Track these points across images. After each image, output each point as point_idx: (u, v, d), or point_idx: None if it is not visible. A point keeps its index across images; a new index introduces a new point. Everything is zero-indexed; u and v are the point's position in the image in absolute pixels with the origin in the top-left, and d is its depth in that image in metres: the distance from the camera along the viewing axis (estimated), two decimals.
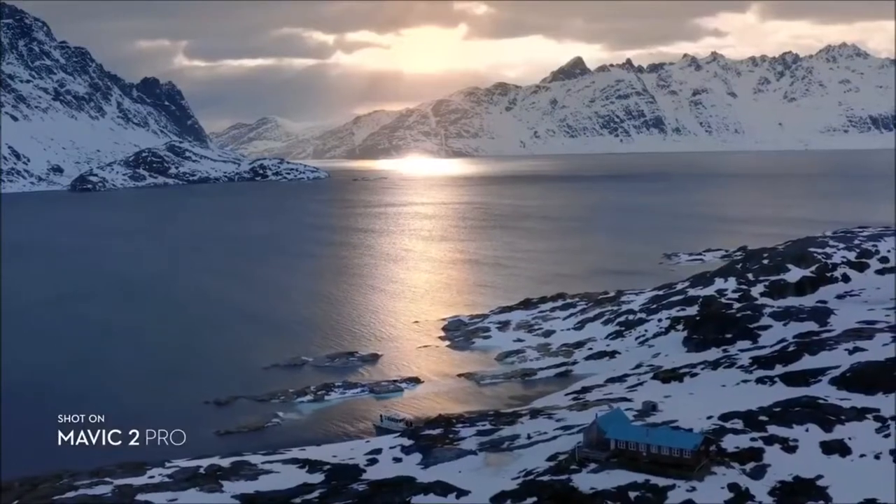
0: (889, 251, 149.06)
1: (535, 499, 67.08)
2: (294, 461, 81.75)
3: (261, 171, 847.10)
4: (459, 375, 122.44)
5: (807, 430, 74.73)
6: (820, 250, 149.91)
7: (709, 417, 78.68)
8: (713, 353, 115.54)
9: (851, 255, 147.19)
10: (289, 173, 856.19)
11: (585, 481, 68.07)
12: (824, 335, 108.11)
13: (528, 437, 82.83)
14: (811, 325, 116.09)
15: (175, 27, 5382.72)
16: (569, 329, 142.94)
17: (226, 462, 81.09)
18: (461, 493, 70.05)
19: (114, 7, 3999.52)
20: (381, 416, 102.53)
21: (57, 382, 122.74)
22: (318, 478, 76.54)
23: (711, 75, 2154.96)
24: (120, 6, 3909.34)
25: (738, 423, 76.41)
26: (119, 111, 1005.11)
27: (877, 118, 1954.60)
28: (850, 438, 73.04)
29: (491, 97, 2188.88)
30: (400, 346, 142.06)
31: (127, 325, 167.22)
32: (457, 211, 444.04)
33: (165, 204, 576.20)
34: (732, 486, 66.55)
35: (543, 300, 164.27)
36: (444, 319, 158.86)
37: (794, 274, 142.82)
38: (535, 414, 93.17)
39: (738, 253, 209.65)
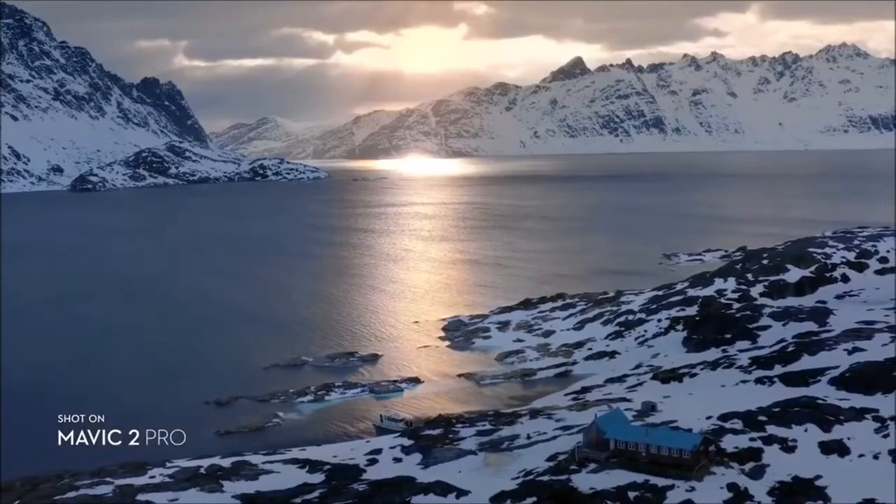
0: (888, 251, 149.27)
1: (534, 499, 67.22)
2: (294, 461, 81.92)
3: (261, 171, 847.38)
4: (459, 375, 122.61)
5: (806, 431, 74.88)
6: (819, 250, 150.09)
7: (708, 418, 78.82)
8: (712, 354, 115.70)
9: (851, 256, 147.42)
10: (289, 173, 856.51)
11: (585, 481, 68.23)
12: (823, 335, 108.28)
13: (528, 437, 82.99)
14: (810, 326, 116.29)
15: (175, 27, 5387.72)
16: (568, 329, 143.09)
17: (226, 462, 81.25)
18: (461, 493, 70.21)
19: (114, 7, 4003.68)
20: (381, 416, 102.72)
21: (57, 382, 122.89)
22: (318, 478, 76.71)
23: (711, 75, 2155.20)
24: (120, 6, 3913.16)
25: (737, 424, 76.56)
26: (119, 111, 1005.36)
27: (877, 118, 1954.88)
28: (848, 438, 73.20)
29: (491, 97, 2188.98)
30: (400, 347, 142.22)
31: (127, 325, 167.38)
32: (457, 211, 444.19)
33: (165, 204, 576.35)
34: (731, 486, 66.71)
35: (543, 300, 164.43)
36: (444, 319, 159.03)
37: (794, 274, 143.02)
38: (534, 414, 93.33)
39: (738, 253, 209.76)
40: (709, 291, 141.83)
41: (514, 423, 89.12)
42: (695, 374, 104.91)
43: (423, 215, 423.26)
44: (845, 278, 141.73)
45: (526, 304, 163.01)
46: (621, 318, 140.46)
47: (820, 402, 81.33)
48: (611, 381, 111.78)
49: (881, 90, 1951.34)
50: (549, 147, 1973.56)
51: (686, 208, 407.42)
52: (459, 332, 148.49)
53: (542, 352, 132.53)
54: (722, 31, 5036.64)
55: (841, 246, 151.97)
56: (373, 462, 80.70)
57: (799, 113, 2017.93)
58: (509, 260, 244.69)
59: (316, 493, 72.35)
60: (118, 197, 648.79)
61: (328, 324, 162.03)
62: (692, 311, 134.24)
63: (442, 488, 70.91)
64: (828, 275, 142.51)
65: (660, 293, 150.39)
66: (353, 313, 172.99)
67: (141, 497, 71.49)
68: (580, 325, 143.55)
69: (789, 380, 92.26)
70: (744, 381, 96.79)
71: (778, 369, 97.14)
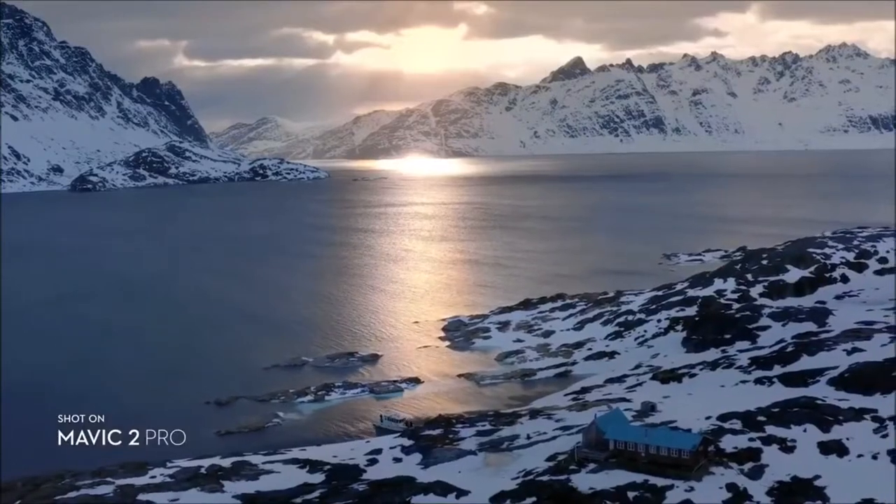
0: (888, 252, 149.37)
1: (534, 499, 67.41)
2: (295, 461, 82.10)
3: (261, 171, 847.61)
4: (459, 376, 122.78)
5: (805, 431, 75.07)
6: (819, 251, 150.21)
7: (707, 418, 79.01)
8: (712, 354, 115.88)
9: (850, 256, 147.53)
10: (289, 173, 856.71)
11: (584, 481, 68.40)
12: (823, 336, 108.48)
13: (528, 437, 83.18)
14: (810, 326, 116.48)
15: (175, 27, 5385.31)
16: (568, 329, 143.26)
17: (227, 462, 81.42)
18: (461, 493, 70.39)
19: (114, 7, 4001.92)
20: (381, 416, 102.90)
21: (57, 382, 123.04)
22: (318, 478, 76.89)
23: (711, 75, 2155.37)
24: (120, 6, 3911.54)
25: (736, 424, 76.74)
26: (119, 111, 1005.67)
27: (877, 118, 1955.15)
28: (847, 439, 73.38)
29: (491, 97, 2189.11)
30: (400, 347, 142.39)
31: (127, 325, 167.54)
32: (457, 211, 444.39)
33: (165, 204, 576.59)
34: (730, 486, 66.89)
35: (543, 300, 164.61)
36: (444, 320, 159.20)
37: (793, 274, 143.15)
38: (534, 414, 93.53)
39: (738, 253, 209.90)
40: (708, 292, 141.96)
41: (513, 424, 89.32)
42: (694, 375, 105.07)
43: (423, 215, 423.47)
44: (845, 279, 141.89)
45: (526, 305, 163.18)
46: (621, 319, 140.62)
47: (819, 402, 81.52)
48: (610, 381, 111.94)
49: (881, 90, 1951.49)
50: (549, 147, 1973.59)
51: (686, 208, 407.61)
52: (459, 333, 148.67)
53: (542, 352, 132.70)
54: (722, 31, 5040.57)
55: (840, 246, 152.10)
56: (373, 462, 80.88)
57: (799, 113, 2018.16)
58: (509, 260, 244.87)
59: (316, 493, 72.55)
60: (118, 197, 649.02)
61: (328, 324, 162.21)
62: (692, 311, 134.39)
63: (442, 488, 71.10)
64: (827, 275, 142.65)
65: (659, 293, 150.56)
66: (353, 313, 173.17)
67: (142, 497, 71.68)
68: (580, 326, 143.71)
69: (788, 380, 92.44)
70: (743, 382, 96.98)
71: (777, 370, 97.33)
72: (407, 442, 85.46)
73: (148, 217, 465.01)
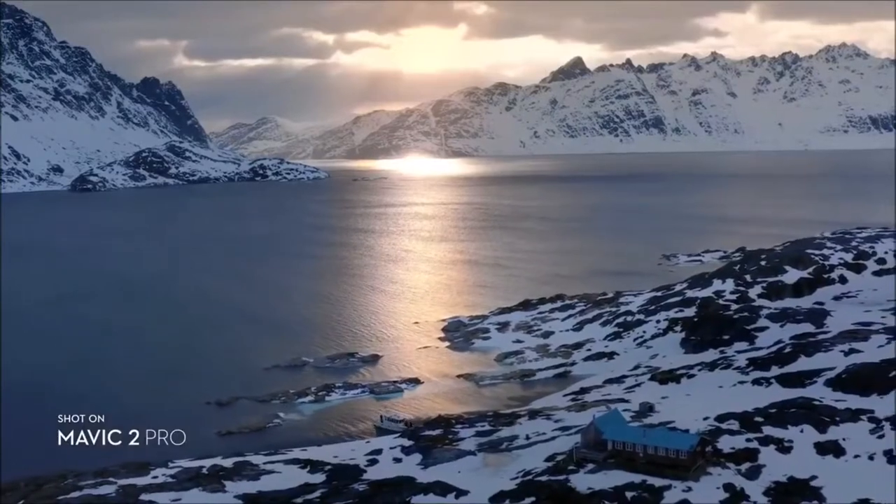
0: (886, 253, 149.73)
1: (533, 499, 67.87)
2: (295, 461, 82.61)
3: (261, 172, 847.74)
4: (459, 376, 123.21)
5: (801, 431, 75.59)
6: (817, 252, 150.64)
7: (705, 418, 79.52)
8: (710, 355, 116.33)
9: (849, 257, 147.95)
10: (289, 173, 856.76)
11: (583, 481, 68.87)
12: (820, 337, 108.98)
13: (527, 437, 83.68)
14: (808, 327, 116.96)
15: (175, 27, 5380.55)
16: (567, 330, 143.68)
17: (228, 462, 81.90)
18: (460, 493, 70.87)
19: (114, 7, 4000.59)
20: (381, 416, 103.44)
21: (57, 382, 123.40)
22: (319, 478, 77.38)
23: (711, 75, 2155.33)
24: (120, 6, 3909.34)
25: (733, 424, 77.26)
26: (119, 111, 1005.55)
27: (877, 118, 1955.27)
28: (844, 439, 73.89)
29: (491, 97, 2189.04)
30: (400, 347, 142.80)
31: (127, 325, 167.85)
32: (456, 211, 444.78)
33: (165, 204, 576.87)
34: (728, 487, 67.39)
35: (542, 301, 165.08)
36: (443, 320, 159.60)
37: (792, 275, 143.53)
38: (533, 415, 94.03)
39: (737, 254, 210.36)
40: (707, 293, 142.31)
41: (513, 424, 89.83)
42: (692, 375, 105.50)
43: (423, 216, 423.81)
44: (843, 279, 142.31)
45: (525, 305, 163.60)
46: (620, 319, 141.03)
47: (816, 403, 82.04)
48: (609, 381, 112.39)
49: (881, 90, 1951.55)
50: (548, 147, 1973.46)
51: (685, 209, 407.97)
52: (459, 333, 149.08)
53: (542, 353, 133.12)
54: (722, 31, 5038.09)
55: (839, 247, 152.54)
56: (373, 462, 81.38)
57: (799, 113, 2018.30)
58: (509, 261, 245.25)
59: (317, 493, 73.03)
60: (118, 197, 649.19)
61: (328, 324, 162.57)
62: (690, 312, 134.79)
63: (441, 488, 71.57)
64: (825, 276, 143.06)
65: (658, 294, 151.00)
66: (354, 314, 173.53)
67: (144, 497, 72.17)
68: (579, 326, 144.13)
69: (786, 381, 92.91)
70: (741, 382, 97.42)
71: (775, 370, 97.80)
72: (407, 442, 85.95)
73: (148, 217, 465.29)
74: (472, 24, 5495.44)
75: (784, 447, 73.26)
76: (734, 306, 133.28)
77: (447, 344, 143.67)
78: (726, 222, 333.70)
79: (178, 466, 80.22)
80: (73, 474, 77.31)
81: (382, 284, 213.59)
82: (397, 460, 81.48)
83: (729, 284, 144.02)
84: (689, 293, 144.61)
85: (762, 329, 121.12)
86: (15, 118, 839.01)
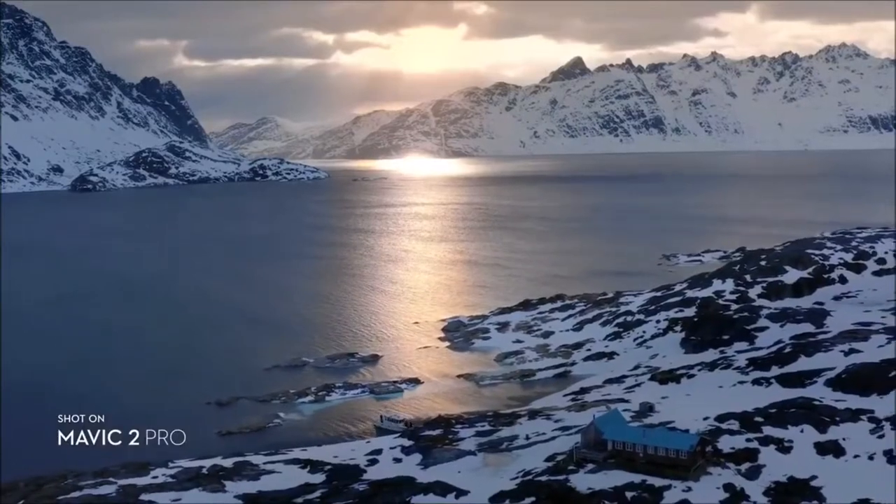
0: (886, 253, 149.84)
1: (533, 499, 67.91)
2: (295, 461, 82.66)
3: (261, 172, 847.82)
4: (459, 376, 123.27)
5: (801, 431, 75.65)
6: (817, 252, 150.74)
7: (705, 418, 79.56)
8: (710, 355, 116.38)
9: (848, 257, 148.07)
10: (289, 173, 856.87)
11: (583, 481, 68.91)
12: (820, 337, 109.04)
13: (527, 437, 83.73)
14: (807, 327, 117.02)
15: (175, 27, 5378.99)
16: (567, 330, 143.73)
17: (228, 462, 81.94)
18: (460, 493, 70.91)
19: (114, 7, 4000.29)
20: (381, 416, 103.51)
21: (57, 382, 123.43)
22: (319, 478, 77.43)
23: (711, 75, 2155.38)
24: (120, 6, 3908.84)
25: (733, 424, 77.31)
26: (119, 111, 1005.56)
27: (876, 118, 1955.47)
28: (844, 439, 73.95)
29: (491, 97, 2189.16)
30: (400, 347, 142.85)
31: (127, 325, 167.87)
32: (456, 211, 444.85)
33: (165, 204, 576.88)
34: (728, 487, 67.44)
35: (542, 301, 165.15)
36: (443, 320, 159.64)
37: (792, 275, 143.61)
38: (533, 415, 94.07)
39: (737, 254, 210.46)
40: (707, 293, 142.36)
41: (513, 424, 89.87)
42: (692, 375, 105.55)
43: (423, 216, 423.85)
44: (843, 280, 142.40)
45: (525, 305, 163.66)
46: (620, 319, 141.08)
47: (816, 403, 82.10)
48: (609, 381, 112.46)
49: (881, 90, 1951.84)
50: (548, 147, 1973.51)
51: (685, 209, 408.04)
52: (459, 333, 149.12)
53: (542, 353, 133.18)
54: (722, 31, 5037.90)
55: (839, 247, 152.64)
56: (373, 462, 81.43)
57: (798, 113, 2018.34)
58: (509, 261, 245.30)
59: (317, 493, 73.08)
60: (118, 197, 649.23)
61: (328, 324, 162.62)
62: (690, 312, 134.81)
63: (441, 488, 71.61)
64: (825, 276, 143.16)
65: (658, 294, 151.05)
66: (354, 314, 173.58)
67: (144, 497, 72.20)
68: (579, 326, 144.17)
69: (786, 381, 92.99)
70: (741, 382, 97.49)
71: (775, 370, 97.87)
72: (407, 442, 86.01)
73: (148, 217, 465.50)
74: (472, 24, 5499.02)
75: (784, 447, 73.33)
76: (734, 306, 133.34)
77: (447, 344, 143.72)
78: (726, 222, 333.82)
79: (179, 466, 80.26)
80: (73, 474, 77.34)
81: (382, 284, 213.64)
82: (397, 460, 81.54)
83: (729, 284, 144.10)
84: (689, 293, 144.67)
85: (762, 329, 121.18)
86: (15, 118, 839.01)
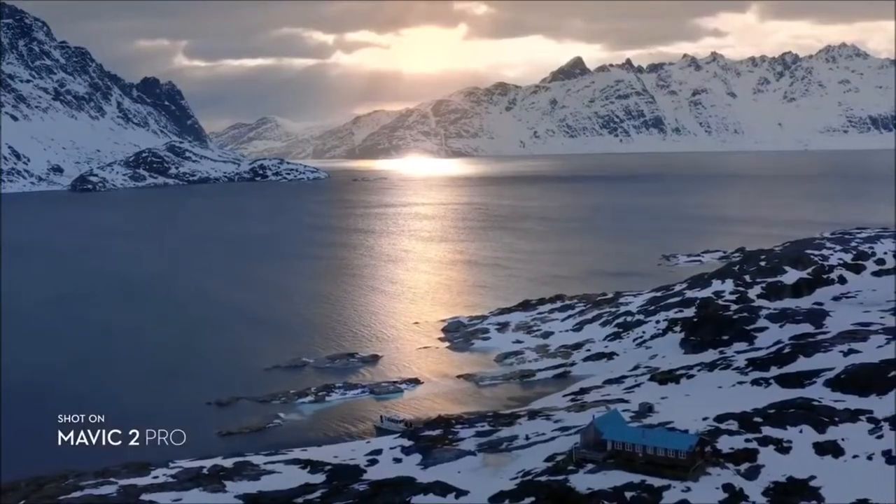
0: (885, 253, 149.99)
1: (532, 499, 68.06)
2: (296, 461, 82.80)
3: (261, 172, 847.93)
4: (459, 376, 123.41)
5: (800, 432, 75.78)
6: (817, 252, 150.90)
7: (704, 419, 79.70)
8: (710, 355, 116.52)
9: (848, 257, 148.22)
10: (289, 173, 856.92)
11: (582, 482, 69.05)
12: (819, 337, 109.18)
13: (527, 437, 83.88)
14: (807, 327, 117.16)
15: (175, 27, 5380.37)
16: (567, 330, 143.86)
17: (228, 462, 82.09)
18: (460, 493, 71.06)
19: (114, 7, 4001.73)
20: (381, 416, 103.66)
21: (57, 382, 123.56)
22: (319, 478, 77.58)
23: (711, 75, 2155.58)
24: (120, 6, 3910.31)
25: (732, 425, 77.45)
26: (119, 111, 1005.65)
27: (876, 118, 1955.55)
28: (843, 440, 74.09)
29: (491, 97, 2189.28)
30: (400, 348, 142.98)
31: (127, 325, 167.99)
32: (456, 212, 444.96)
33: (165, 204, 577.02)
34: (727, 487, 67.58)
35: (542, 302, 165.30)
36: (443, 321, 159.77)
37: (791, 276, 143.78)
38: (533, 415, 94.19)
39: (736, 254, 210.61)
40: (706, 293, 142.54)
41: (512, 424, 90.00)
42: (692, 376, 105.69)
43: (423, 216, 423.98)
44: (842, 280, 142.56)
45: (525, 306, 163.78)
46: (620, 320, 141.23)
47: (815, 403, 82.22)
48: (609, 382, 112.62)
49: (881, 90, 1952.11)
50: (548, 147, 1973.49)
51: (685, 209, 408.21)
52: (459, 333, 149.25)
53: (541, 353, 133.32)
54: (722, 31, 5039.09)
55: (838, 248, 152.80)
56: (373, 462, 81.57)
57: (798, 113, 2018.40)
58: (508, 261, 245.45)
59: (317, 493, 73.23)
60: (118, 197, 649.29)
61: (328, 325, 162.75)
62: (690, 312, 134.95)
63: (441, 488, 71.75)
64: (825, 276, 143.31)
65: (658, 294, 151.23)
66: (354, 314, 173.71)
67: (145, 497, 72.35)
68: (579, 327, 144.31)
69: (785, 381, 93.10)
70: (740, 383, 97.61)
71: (774, 371, 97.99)
72: (407, 442, 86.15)
73: (148, 217, 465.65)
74: (472, 24, 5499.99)
75: (783, 447, 73.46)
76: (733, 307, 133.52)
77: (447, 344, 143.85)
78: (726, 222, 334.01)
79: (179, 466, 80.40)
80: (74, 474, 77.50)
81: (382, 284, 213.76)
82: (397, 460, 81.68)
83: (728, 285, 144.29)
84: (689, 293, 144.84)
85: (761, 329, 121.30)
86: (15, 118, 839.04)
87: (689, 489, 66.95)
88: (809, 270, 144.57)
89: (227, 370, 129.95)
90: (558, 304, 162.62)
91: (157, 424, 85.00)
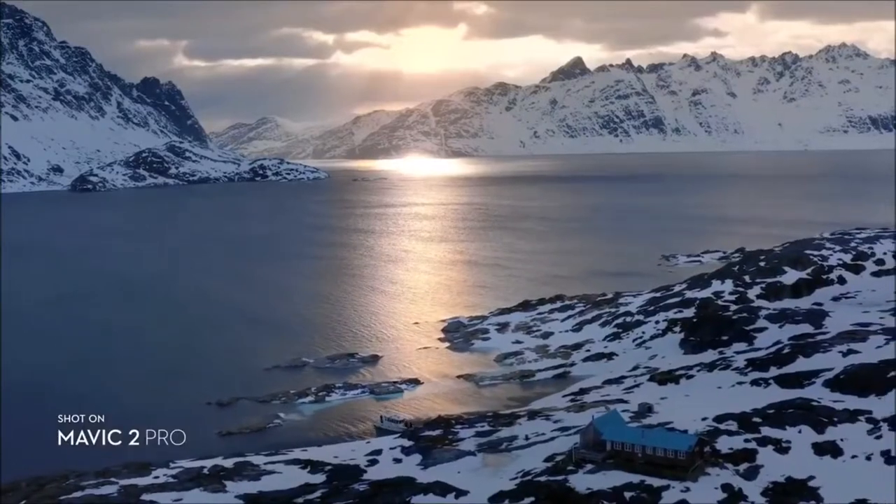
0: (885, 253, 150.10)
1: (532, 499, 68.19)
2: (296, 462, 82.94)
3: (261, 172, 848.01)
4: (459, 377, 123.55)
5: (800, 432, 75.91)
6: (816, 252, 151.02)
7: (703, 419, 79.84)
8: (709, 355, 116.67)
9: (847, 258, 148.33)
10: (289, 173, 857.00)
11: (582, 482, 69.19)
12: (819, 337, 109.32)
13: (526, 438, 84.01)
14: (806, 328, 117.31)
15: (175, 27, 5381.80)
16: (567, 331, 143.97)
17: (229, 462, 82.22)
18: (460, 493, 71.19)
19: (114, 7, 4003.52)
20: (381, 417, 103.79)
21: (57, 382, 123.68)
22: (319, 478, 77.71)
23: (711, 75, 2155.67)
24: (120, 6, 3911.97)
25: (732, 425, 77.59)
26: (119, 111, 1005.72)
27: (876, 118, 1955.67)
28: (842, 440, 74.23)
29: (491, 97, 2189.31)
30: (400, 348, 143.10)
31: (127, 325, 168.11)
32: (456, 212, 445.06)
33: (165, 204, 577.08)
34: (726, 487, 67.71)
35: (542, 302, 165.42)
36: (443, 321, 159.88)
37: (791, 276, 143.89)
38: (532, 415, 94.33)
39: (736, 254, 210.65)
40: (706, 293, 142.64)
41: (512, 425, 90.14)
42: (691, 376, 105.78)
43: (423, 216, 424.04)
44: (842, 280, 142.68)
45: (525, 306, 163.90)
46: (619, 320, 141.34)
47: (814, 403, 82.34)
48: (608, 382, 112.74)
49: (881, 90, 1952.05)
50: (548, 147, 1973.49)
51: (685, 209, 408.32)
52: (459, 334, 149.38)
53: (541, 353, 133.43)
54: (722, 31, 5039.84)
55: (838, 248, 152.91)
56: (373, 462, 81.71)
57: (798, 113, 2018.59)
58: (508, 261, 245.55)
59: (317, 493, 73.35)
60: (118, 197, 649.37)
61: (328, 325, 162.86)
62: (689, 312, 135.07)
63: (441, 488, 71.89)
64: (824, 277, 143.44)
65: (658, 295, 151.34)
66: (354, 314, 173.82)
67: (145, 497, 72.48)
68: (578, 327, 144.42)
69: (784, 381, 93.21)
70: (740, 383, 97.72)
71: (773, 371, 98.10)
72: (407, 443, 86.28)
73: (148, 217, 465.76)
74: (472, 24, 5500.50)
75: (782, 448, 73.59)
76: (733, 307, 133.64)
77: (447, 344, 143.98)
78: (726, 223, 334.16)
79: (179, 467, 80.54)
80: (74, 474, 77.63)
81: (382, 285, 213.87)
82: (397, 460, 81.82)
83: (728, 285, 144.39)
84: (689, 294, 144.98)
85: (761, 330, 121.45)
86: (15, 118, 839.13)
87: (688, 489, 67.10)
88: (809, 271, 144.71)
89: (227, 370, 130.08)
90: (558, 304, 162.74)
91: (158, 424, 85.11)
